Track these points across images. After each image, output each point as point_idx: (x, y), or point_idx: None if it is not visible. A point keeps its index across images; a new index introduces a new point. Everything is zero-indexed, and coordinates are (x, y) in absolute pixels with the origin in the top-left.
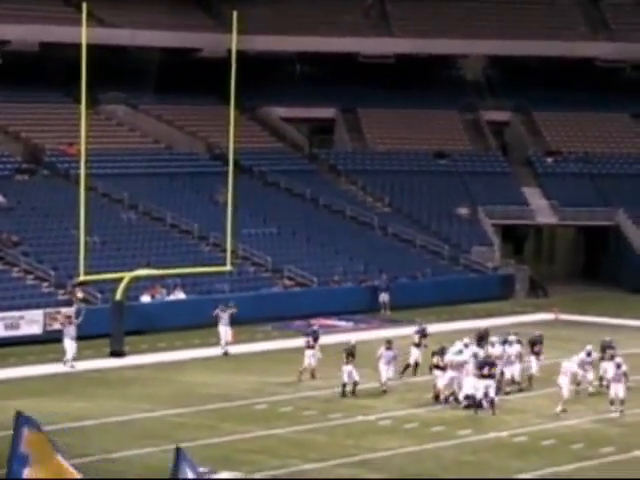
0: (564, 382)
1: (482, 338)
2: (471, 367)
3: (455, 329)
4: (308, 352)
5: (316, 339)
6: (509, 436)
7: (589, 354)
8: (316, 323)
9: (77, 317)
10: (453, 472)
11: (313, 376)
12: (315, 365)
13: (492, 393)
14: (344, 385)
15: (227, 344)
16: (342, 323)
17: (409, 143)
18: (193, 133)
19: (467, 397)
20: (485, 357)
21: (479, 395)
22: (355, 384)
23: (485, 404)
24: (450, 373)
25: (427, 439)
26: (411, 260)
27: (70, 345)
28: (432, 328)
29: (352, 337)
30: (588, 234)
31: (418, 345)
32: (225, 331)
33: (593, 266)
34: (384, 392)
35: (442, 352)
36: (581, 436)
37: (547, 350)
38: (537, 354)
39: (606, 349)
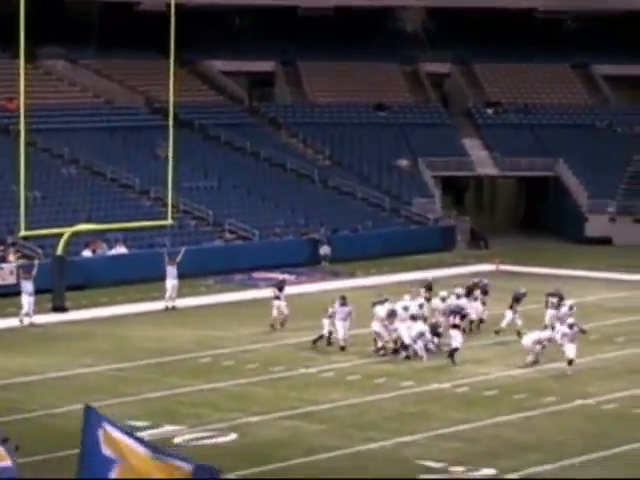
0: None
1: (429, 288)
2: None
3: (397, 281)
4: (276, 303)
5: (281, 289)
6: (452, 387)
7: (571, 308)
8: (258, 276)
9: (31, 271)
10: (395, 423)
11: (282, 325)
12: (284, 315)
13: (456, 343)
14: (323, 336)
15: (172, 299)
16: (284, 276)
17: (349, 95)
18: (133, 87)
19: (404, 347)
20: (456, 306)
21: (414, 341)
22: (330, 333)
23: (419, 351)
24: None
25: (369, 391)
26: (352, 212)
27: (27, 300)
28: (374, 280)
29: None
30: (528, 185)
31: (428, 299)
32: (172, 285)
33: (534, 217)
34: (342, 349)
35: (382, 303)
36: (524, 386)
37: (488, 301)
38: (484, 303)
39: (519, 299)
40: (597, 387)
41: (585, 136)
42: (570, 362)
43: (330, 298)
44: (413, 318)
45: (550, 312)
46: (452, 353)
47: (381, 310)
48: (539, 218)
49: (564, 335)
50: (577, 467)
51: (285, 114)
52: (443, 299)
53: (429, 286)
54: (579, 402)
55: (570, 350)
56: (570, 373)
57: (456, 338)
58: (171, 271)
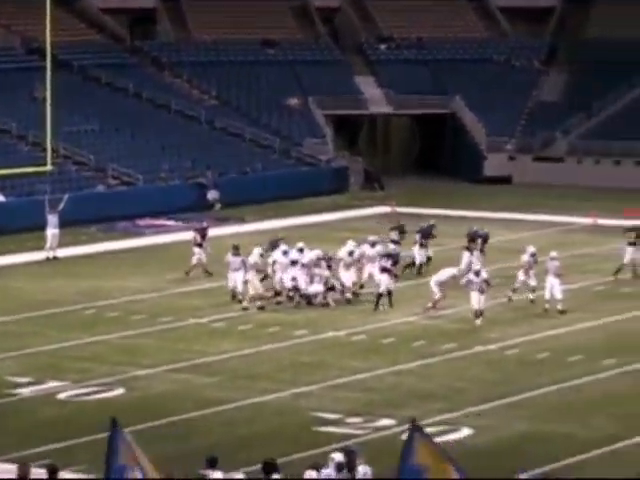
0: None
1: (402, 232)
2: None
3: (289, 225)
4: (196, 250)
5: (204, 236)
6: (347, 335)
7: (533, 255)
8: (142, 223)
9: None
10: (290, 374)
11: (207, 272)
12: (205, 262)
13: (383, 287)
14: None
15: (53, 248)
16: (171, 223)
17: (235, 32)
18: (7, 26)
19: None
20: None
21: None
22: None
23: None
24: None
25: (263, 341)
26: (240, 155)
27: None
28: (265, 225)
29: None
30: (424, 123)
31: (422, 245)
32: (52, 234)
33: (430, 156)
34: (233, 297)
35: (274, 247)
36: (421, 333)
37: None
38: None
39: (427, 235)
40: (498, 333)
41: (482, 71)
42: (477, 313)
43: (220, 245)
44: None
45: (467, 255)
46: (378, 298)
47: (277, 254)
48: (436, 158)
49: (469, 282)
50: (479, 415)
51: (169, 53)
52: (373, 245)
53: (402, 229)
54: (480, 348)
55: (474, 299)
56: (479, 324)
57: (384, 282)
58: (52, 220)
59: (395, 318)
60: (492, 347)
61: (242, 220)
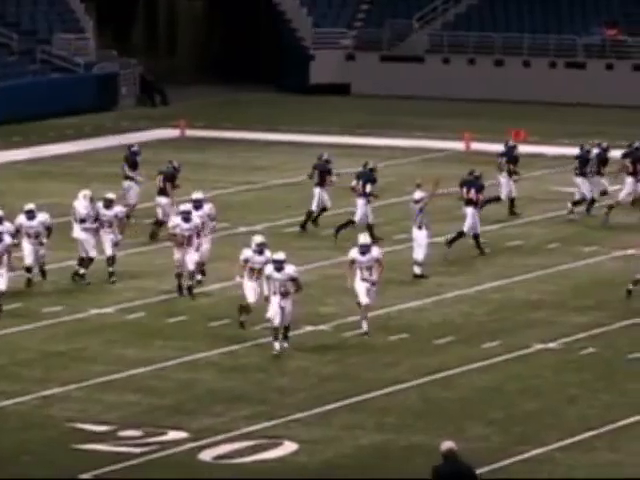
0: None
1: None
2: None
3: (35, 157)
4: None
5: None
6: (117, 312)
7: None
8: None
9: None
10: (39, 369)
11: None
12: None
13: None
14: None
15: None
16: None
17: None
18: None
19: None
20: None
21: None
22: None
23: None
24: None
25: None
26: None
27: None
28: None
29: None
30: (226, 9)
31: (363, 195)
32: None
33: (234, 56)
34: None
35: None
36: (225, 307)
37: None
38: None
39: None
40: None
41: None
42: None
43: None
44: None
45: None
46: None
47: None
48: (242, 58)
49: None
50: (307, 424)
51: None
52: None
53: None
54: (310, 328)
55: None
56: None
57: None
58: None
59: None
60: (324, 327)
61: None
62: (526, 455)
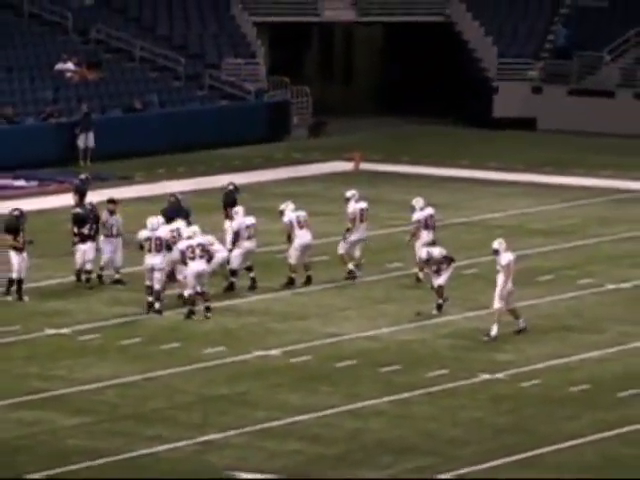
0: None
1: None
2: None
3: (197, 189)
4: None
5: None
6: (283, 355)
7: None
8: None
9: None
10: (197, 413)
11: None
12: None
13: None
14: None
15: None
16: (21, 183)
17: None
18: None
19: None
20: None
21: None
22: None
23: None
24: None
25: (156, 362)
26: (126, 81)
27: None
28: (160, 187)
29: None
30: (404, 36)
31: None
32: None
33: (411, 86)
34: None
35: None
36: (394, 353)
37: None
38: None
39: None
40: (510, 353)
41: None
42: None
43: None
44: None
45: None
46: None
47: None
48: (420, 88)
49: None
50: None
51: None
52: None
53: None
54: (485, 376)
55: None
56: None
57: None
58: None
59: (355, 330)
60: (500, 376)
61: (128, 179)
62: None
